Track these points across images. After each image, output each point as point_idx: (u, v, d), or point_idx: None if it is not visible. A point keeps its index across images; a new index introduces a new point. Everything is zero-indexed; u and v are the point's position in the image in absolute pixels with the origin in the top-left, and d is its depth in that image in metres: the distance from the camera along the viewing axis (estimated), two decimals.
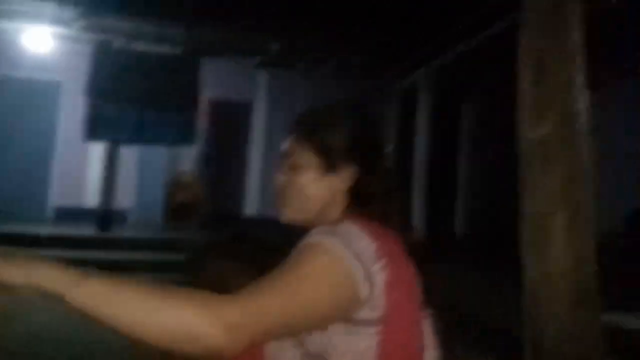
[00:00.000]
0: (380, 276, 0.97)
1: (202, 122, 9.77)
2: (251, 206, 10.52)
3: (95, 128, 8.42)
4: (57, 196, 9.70)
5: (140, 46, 8.76)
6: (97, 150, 9.35)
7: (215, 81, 9.67)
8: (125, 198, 9.52)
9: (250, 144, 10.68)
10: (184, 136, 8.85)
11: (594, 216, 2.57)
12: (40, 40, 8.68)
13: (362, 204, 1.11)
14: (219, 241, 1.50)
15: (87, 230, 8.46)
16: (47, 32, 8.51)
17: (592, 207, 2.57)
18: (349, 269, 0.95)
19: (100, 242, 8.11)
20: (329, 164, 1.11)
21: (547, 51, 2.49)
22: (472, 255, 9.38)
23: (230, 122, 10.76)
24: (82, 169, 9.77)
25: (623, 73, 8.28)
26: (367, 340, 0.96)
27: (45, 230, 8.49)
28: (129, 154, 9.38)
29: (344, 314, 0.96)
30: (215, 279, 1.37)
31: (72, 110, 9.12)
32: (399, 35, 8.33)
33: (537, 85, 2.50)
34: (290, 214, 1.14)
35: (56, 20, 8.16)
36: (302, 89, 10.23)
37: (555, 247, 2.50)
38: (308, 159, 1.12)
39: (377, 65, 9.97)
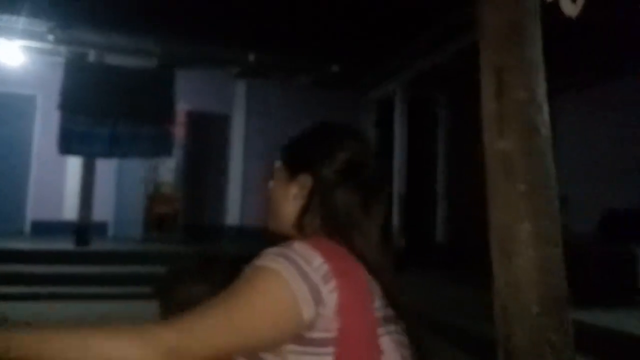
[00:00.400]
0: (332, 297, 0.98)
1: (179, 133, 9.75)
2: (232, 217, 10.50)
3: (69, 142, 8.36)
4: (34, 210, 9.60)
5: (114, 59, 8.73)
6: (74, 164, 9.28)
7: (192, 92, 9.66)
8: (103, 211, 9.45)
9: (229, 154, 10.66)
10: (160, 148, 8.81)
11: (559, 224, 2.63)
12: (13, 54, 8.61)
13: (322, 214, 1.12)
14: (189, 263, 1.51)
15: (65, 244, 8.38)
16: (19, 45, 8.45)
17: (557, 215, 2.63)
18: (292, 292, 0.96)
19: (79, 256, 8.04)
20: (289, 172, 1.18)
21: (507, 66, 2.54)
22: (452, 263, 9.46)
23: (209, 133, 10.74)
24: (60, 183, 9.68)
25: (591, 80, 8.46)
26: (322, 358, 0.98)
27: (23, 244, 8.40)
28: (106, 167, 9.32)
29: (289, 335, 0.97)
30: (186, 301, 1.36)
31: (48, 124, 9.04)
32: (374, 45, 8.41)
33: (498, 99, 2.55)
34: (270, 222, 1.22)
35: (28, 34, 8.11)
36: (279, 99, 10.27)
37: (522, 256, 2.55)
38: (278, 170, 1.21)
39: (352, 75, 10.06)
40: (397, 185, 9.86)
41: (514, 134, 2.56)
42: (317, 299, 0.97)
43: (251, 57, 9.02)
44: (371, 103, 11.19)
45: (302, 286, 0.97)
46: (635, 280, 5.83)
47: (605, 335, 4.67)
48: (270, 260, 1.00)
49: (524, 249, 2.53)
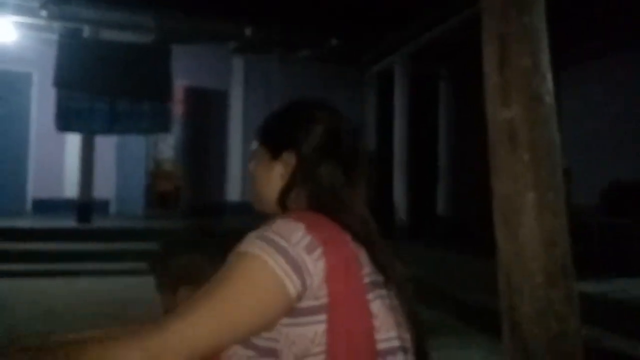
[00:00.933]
0: (319, 265, 0.99)
1: (177, 110, 9.68)
2: (233, 193, 10.50)
3: (67, 119, 8.31)
4: (34, 188, 9.59)
5: (109, 35, 8.63)
6: (73, 141, 9.24)
7: (189, 68, 9.55)
8: (105, 188, 9.44)
9: (228, 130, 10.61)
10: (159, 124, 8.76)
11: (563, 194, 2.60)
12: (6, 31, 8.50)
13: (307, 191, 1.13)
14: (184, 236, 1.53)
15: (67, 221, 8.39)
16: (12, 22, 8.33)
17: (561, 185, 2.60)
18: (272, 271, 0.98)
19: (81, 233, 8.05)
20: (271, 152, 1.18)
21: (510, 35, 2.49)
22: (454, 236, 9.47)
23: (208, 109, 10.68)
24: (59, 160, 9.66)
25: (595, 52, 8.36)
26: (314, 328, 0.99)
27: (25, 223, 8.42)
28: (106, 144, 9.29)
29: (280, 313, 0.99)
30: (182, 271, 1.36)
31: (44, 101, 8.99)
32: (375, 19, 8.30)
33: (501, 68, 2.50)
34: (255, 203, 1.22)
35: (21, 10, 7.97)
36: (279, 74, 10.17)
37: (526, 227, 2.52)
38: (258, 150, 1.21)
39: (353, 49, 9.94)
40: (399, 159, 9.82)
41: (517, 103, 2.52)
42: (302, 272, 0.99)
43: (248, 32, 8.91)
44: (372, 77, 11.10)
45: (282, 263, 0.98)
46: (637, 251, 5.84)
47: (609, 305, 4.69)
48: (249, 244, 1.01)
49: (528, 220, 2.50)
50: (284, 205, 1.14)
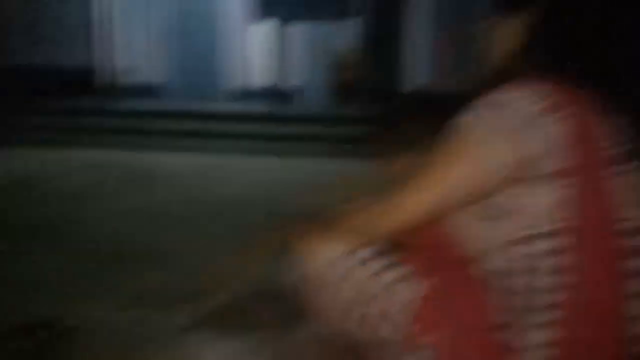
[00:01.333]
0: (552, 131, 0.93)
1: None
2: (420, 79, 10.23)
3: (255, 8, 8.72)
4: (225, 77, 10.22)
5: None
6: (262, 30, 9.57)
7: None
8: (291, 77, 9.77)
9: (410, 14, 10.20)
10: (342, 11, 8.88)
11: None
12: None
13: (548, 51, 1.02)
14: (408, 101, 1.52)
15: (260, 106, 8.80)
16: None
17: None
18: (489, 143, 0.96)
19: (274, 117, 8.47)
20: (509, 8, 1.08)
21: None
22: None
23: None
24: (248, 49, 10.11)
25: None
26: (550, 194, 0.94)
27: (221, 107, 9.01)
28: (293, 33, 9.48)
29: (495, 184, 0.97)
30: (405, 132, 1.49)
31: None
32: None
33: None
34: (488, 64, 1.13)
35: None
36: None
37: None
38: (494, 7, 1.11)
39: None
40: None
41: None
42: (530, 138, 0.94)
43: None
44: None
45: (502, 130, 0.95)
46: None
47: None
48: (471, 111, 0.99)
49: None
50: (521, 67, 1.03)
